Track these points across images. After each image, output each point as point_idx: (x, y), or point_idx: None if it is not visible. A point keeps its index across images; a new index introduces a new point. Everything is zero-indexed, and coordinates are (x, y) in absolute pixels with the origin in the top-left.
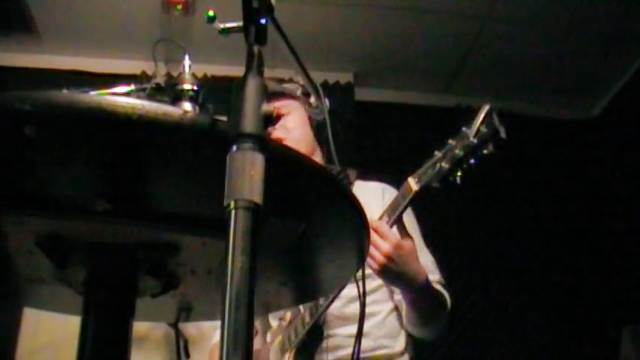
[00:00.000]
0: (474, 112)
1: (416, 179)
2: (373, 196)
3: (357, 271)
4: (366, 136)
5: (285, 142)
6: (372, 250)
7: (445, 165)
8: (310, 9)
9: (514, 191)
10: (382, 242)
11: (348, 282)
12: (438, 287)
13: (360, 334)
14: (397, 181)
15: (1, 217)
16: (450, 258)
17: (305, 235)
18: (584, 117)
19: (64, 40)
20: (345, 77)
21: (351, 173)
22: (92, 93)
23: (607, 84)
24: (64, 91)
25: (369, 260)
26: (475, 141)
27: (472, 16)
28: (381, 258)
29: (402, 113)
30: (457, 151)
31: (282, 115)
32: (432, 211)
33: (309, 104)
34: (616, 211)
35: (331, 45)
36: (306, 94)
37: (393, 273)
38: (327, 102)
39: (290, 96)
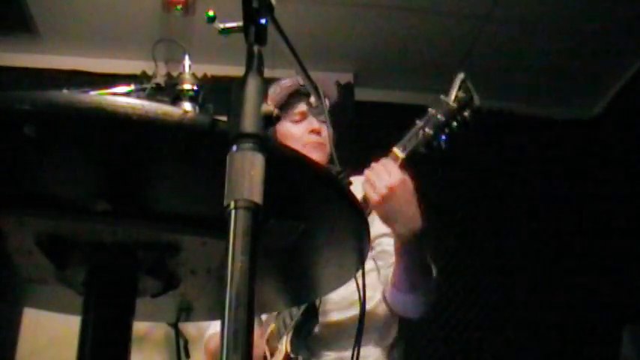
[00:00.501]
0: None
1: (401, 148)
2: (357, 189)
3: (357, 271)
4: (365, 136)
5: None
6: (375, 179)
7: (429, 130)
8: (310, 9)
9: (514, 191)
10: (387, 175)
11: (340, 285)
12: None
13: (360, 335)
14: None
15: (1, 217)
16: (450, 258)
17: (305, 235)
18: (584, 117)
19: (64, 40)
20: (345, 77)
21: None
22: (92, 93)
23: (607, 84)
24: (64, 91)
25: (370, 191)
26: (455, 105)
27: (472, 16)
28: (384, 189)
29: (401, 113)
30: (439, 117)
31: (322, 122)
32: (431, 210)
33: (310, 104)
34: (616, 211)
35: (331, 45)
36: (307, 94)
37: (392, 209)
38: (327, 102)
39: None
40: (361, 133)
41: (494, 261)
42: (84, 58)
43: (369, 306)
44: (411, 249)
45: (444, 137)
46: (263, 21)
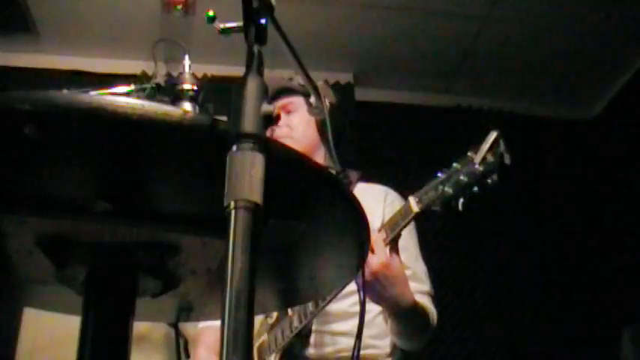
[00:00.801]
0: (474, 114)
1: (417, 199)
2: (375, 199)
3: (357, 271)
4: (366, 136)
5: (285, 140)
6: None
7: (448, 190)
8: (310, 9)
9: (513, 191)
10: (372, 258)
11: (346, 284)
12: (424, 300)
13: (359, 335)
14: (397, 181)
15: (1, 217)
16: (449, 257)
17: (305, 235)
18: (584, 117)
19: (64, 40)
20: (345, 77)
21: (353, 174)
22: (92, 93)
23: (607, 84)
24: (64, 91)
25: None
26: (481, 168)
27: (472, 16)
28: (368, 276)
29: (402, 113)
30: (462, 177)
31: (289, 111)
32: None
33: (310, 104)
34: (616, 210)
35: (331, 45)
36: (308, 94)
37: (377, 291)
38: (327, 102)
39: (298, 93)
40: (361, 133)
41: (494, 261)
42: (84, 58)
43: (366, 318)
44: (401, 320)
45: (462, 200)
46: (263, 21)
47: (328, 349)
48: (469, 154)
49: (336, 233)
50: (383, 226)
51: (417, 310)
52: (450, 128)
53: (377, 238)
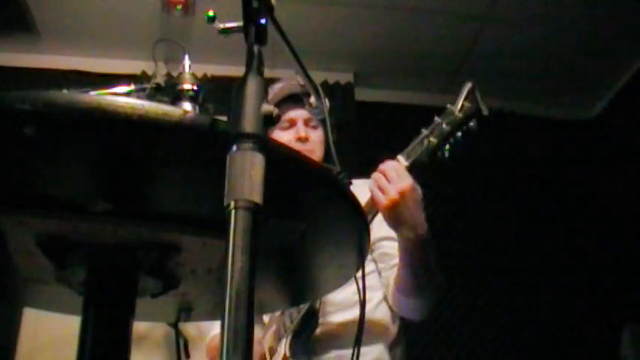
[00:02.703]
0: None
1: (405, 156)
2: (360, 192)
3: (357, 270)
4: (365, 136)
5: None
6: (384, 184)
7: (433, 140)
8: (310, 9)
9: (514, 191)
10: (399, 179)
11: (340, 285)
12: None
13: (360, 334)
14: None
15: (1, 217)
16: (449, 257)
17: (305, 235)
18: (584, 117)
19: (64, 40)
20: (345, 77)
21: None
22: (92, 93)
23: (607, 84)
24: (64, 91)
25: (378, 194)
26: (460, 115)
27: (472, 16)
28: (395, 194)
29: (402, 113)
30: (444, 126)
31: (314, 127)
32: (431, 210)
33: (310, 104)
34: (616, 211)
35: (331, 45)
36: (307, 94)
37: (401, 213)
38: (327, 102)
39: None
40: (361, 133)
41: (494, 260)
42: (84, 58)
43: (368, 306)
44: (416, 254)
45: (448, 147)
46: (263, 21)
47: (336, 340)
48: (448, 106)
49: (336, 233)
50: None
51: (432, 243)
52: None
53: (397, 164)
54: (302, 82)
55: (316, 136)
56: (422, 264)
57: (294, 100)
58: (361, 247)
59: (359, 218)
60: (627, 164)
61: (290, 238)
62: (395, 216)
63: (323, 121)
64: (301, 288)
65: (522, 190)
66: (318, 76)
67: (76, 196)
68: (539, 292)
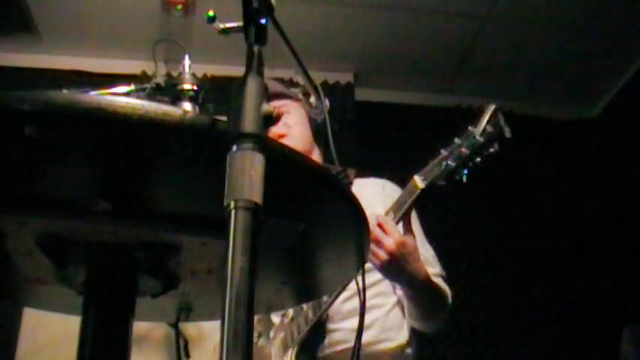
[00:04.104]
0: (477, 111)
1: (422, 177)
2: (373, 192)
3: (358, 271)
4: (366, 136)
5: (285, 139)
6: (373, 247)
7: (451, 163)
8: (310, 9)
9: (514, 191)
10: (386, 239)
11: (350, 280)
12: (438, 281)
13: (360, 333)
14: (397, 181)
15: (1, 217)
16: (449, 257)
17: (305, 235)
18: (584, 117)
19: (64, 40)
20: (345, 77)
21: (350, 172)
22: (92, 93)
23: (607, 84)
24: (64, 91)
25: (371, 257)
26: (482, 139)
27: (472, 16)
28: (384, 255)
29: (402, 113)
30: (463, 150)
31: (283, 113)
32: (432, 210)
33: (310, 104)
34: (616, 211)
35: (331, 45)
36: (307, 94)
37: (395, 270)
38: (327, 102)
39: (290, 97)
40: (361, 133)
41: (495, 261)
42: (84, 58)
43: (381, 311)
44: (419, 296)
45: (466, 171)
46: (263, 21)
47: (342, 344)
48: (469, 128)
49: (336, 233)
50: (389, 208)
51: (432, 286)
52: (451, 128)
53: (386, 220)
54: (301, 83)
55: (291, 119)
56: (426, 301)
57: (273, 98)
58: (361, 247)
59: (359, 218)
60: (627, 164)
61: (290, 238)
62: (389, 273)
63: (324, 121)
64: (302, 288)
65: (522, 190)
66: (318, 76)
67: (76, 196)
68: (538, 292)
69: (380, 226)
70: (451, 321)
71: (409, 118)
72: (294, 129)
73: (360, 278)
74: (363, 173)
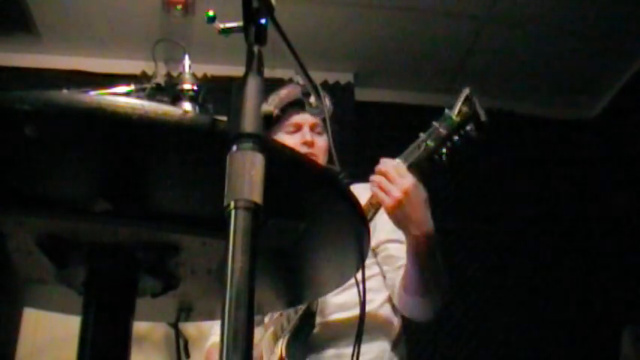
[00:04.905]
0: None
1: (402, 159)
2: (361, 196)
3: (357, 270)
4: (366, 136)
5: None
6: (388, 185)
7: (430, 143)
8: (310, 9)
9: (513, 191)
10: (402, 179)
11: (340, 285)
12: None
13: (360, 333)
14: None
15: (1, 217)
16: (449, 257)
17: (305, 235)
18: (584, 117)
19: (64, 40)
20: (345, 77)
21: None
22: (92, 93)
23: (607, 84)
24: (64, 91)
25: (383, 195)
26: (457, 119)
27: (472, 16)
28: (397, 193)
29: (402, 113)
30: (441, 130)
31: (319, 133)
32: (431, 210)
33: (310, 104)
34: (616, 210)
35: (331, 45)
36: (307, 94)
37: (407, 212)
38: (327, 102)
39: (323, 119)
40: (361, 133)
41: (494, 260)
42: (84, 58)
43: (370, 307)
44: (424, 252)
45: (444, 150)
46: (263, 21)
47: (338, 339)
48: (445, 111)
49: (336, 233)
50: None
51: (435, 246)
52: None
53: (399, 164)
54: (301, 83)
55: (321, 142)
56: (429, 262)
57: (300, 105)
58: (361, 247)
59: (359, 218)
60: (627, 164)
61: (290, 238)
62: (401, 215)
63: (324, 121)
64: (301, 288)
65: (522, 190)
66: (318, 76)
67: (76, 196)
68: (538, 292)
69: (394, 168)
70: (451, 321)
71: (409, 118)
72: (322, 152)
73: (360, 282)
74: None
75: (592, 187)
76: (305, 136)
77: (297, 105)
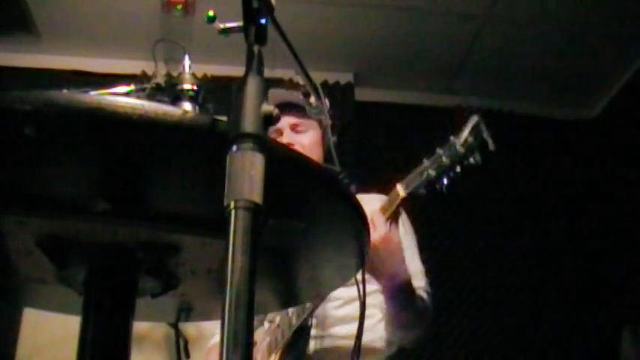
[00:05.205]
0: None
1: (404, 186)
2: (374, 208)
3: (358, 270)
4: (365, 136)
5: None
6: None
7: (431, 172)
8: (310, 9)
9: (514, 191)
10: (372, 230)
11: (340, 285)
12: (421, 293)
13: (360, 334)
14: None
15: (1, 217)
16: (449, 257)
17: (305, 235)
18: (584, 117)
19: (64, 40)
20: (345, 77)
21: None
22: (92, 93)
23: (607, 84)
24: (64, 91)
25: None
26: (462, 150)
27: (472, 16)
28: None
29: (402, 113)
30: (444, 159)
31: (299, 132)
32: (431, 210)
33: (310, 104)
34: (616, 210)
35: (331, 45)
36: (307, 94)
37: (376, 265)
38: (326, 102)
39: (306, 114)
40: (361, 133)
41: (494, 261)
42: (84, 58)
43: (369, 322)
44: (397, 297)
45: (445, 181)
46: (263, 21)
47: (337, 353)
48: (451, 138)
49: (336, 233)
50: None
51: (413, 290)
52: (450, 128)
53: (377, 215)
54: (301, 83)
55: (306, 139)
56: (403, 305)
57: (281, 107)
58: (361, 247)
59: (359, 218)
60: (627, 164)
61: (290, 238)
62: (371, 269)
63: (322, 122)
64: (301, 288)
65: (522, 190)
66: (318, 76)
67: (76, 196)
68: (538, 292)
69: (370, 220)
70: (451, 321)
71: (409, 118)
72: (309, 150)
73: (360, 283)
74: (364, 188)
75: (592, 187)
76: (284, 138)
77: (281, 109)
